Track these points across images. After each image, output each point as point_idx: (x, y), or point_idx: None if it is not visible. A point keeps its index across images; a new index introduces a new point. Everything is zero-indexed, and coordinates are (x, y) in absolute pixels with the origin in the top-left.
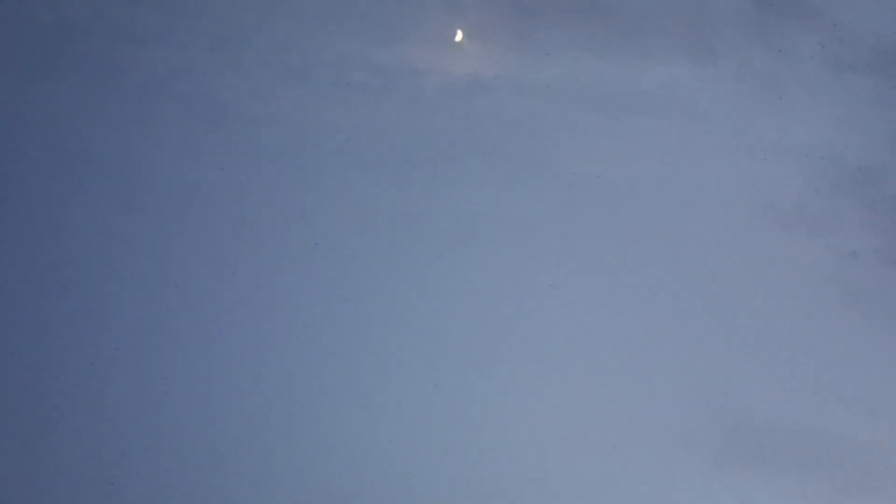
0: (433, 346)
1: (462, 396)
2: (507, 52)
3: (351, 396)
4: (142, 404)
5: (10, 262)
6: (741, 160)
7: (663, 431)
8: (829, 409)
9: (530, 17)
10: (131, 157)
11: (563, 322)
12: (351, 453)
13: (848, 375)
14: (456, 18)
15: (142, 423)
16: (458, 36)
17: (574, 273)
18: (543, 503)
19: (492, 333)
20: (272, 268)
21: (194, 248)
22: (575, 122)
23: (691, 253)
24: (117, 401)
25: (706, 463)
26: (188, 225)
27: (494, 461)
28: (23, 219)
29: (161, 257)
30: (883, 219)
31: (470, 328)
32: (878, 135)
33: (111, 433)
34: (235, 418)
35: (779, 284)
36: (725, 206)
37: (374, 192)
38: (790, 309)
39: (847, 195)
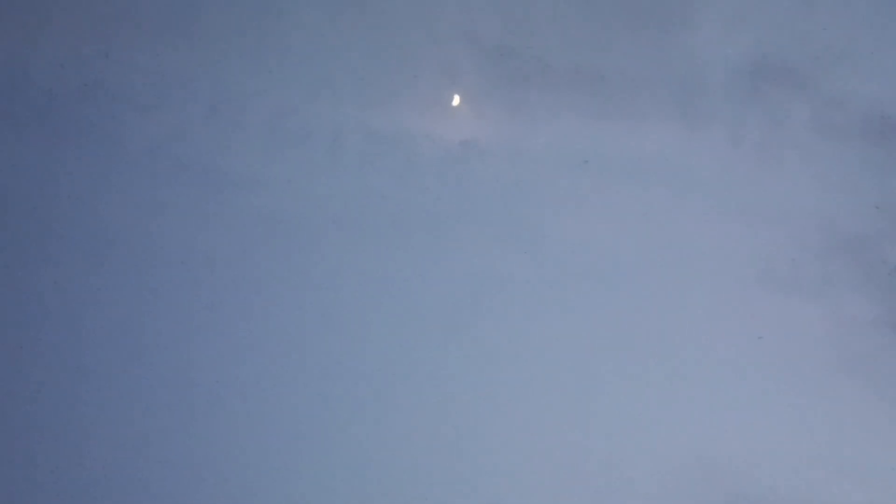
0: (427, 414)
1: (454, 460)
2: (501, 118)
3: (344, 459)
4: (135, 478)
5: (3, 327)
6: (735, 226)
7: (657, 498)
8: (827, 477)
9: (525, 84)
10: (127, 221)
11: (557, 386)
12: None
13: (846, 443)
14: (451, 84)
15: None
16: (456, 101)
17: (568, 337)
18: None
19: (485, 398)
20: (268, 332)
21: (190, 313)
22: (569, 187)
23: (685, 318)
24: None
25: None
26: (184, 289)
27: None
28: (16, 283)
29: (156, 321)
30: (879, 286)
31: (463, 394)
32: (873, 201)
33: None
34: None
35: (775, 351)
36: (720, 271)
37: (370, 257)
38: (786, 375)
39: (842, 261)
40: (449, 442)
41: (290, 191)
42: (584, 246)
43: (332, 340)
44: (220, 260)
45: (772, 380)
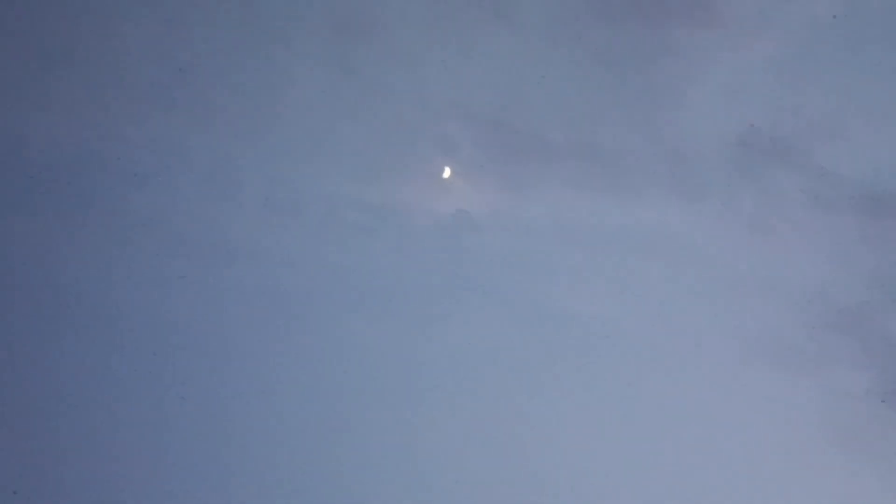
0: (424, 484)
1: None
2: (496, 191)
3: None
4: None
5: (8, 401)
6: (730, 298)
7: None
8: None
9: (519, 157)
10: (124, 292)
11: (555, 458)
12: None
13: None
14: (446, 157)
15: None
16: (448, 173)
17: (562, 409)
18: None
19: (483, 470)
20: (263, 401)
21: (187, 384)
22: (562, 259)
23: (680, 390)
24: None
25: None
26: (182, 360)
27: None
28: (20, 356)
29: (153, 391)
30: (873, 358)
31: (462, 464)
32: (866, 274)
33: None
34: None
35: (771, 423)
36: (716, 343)
37: (365, 328)
38: (783, 448)
39: (837, 334)
40: None
41: (286, 262)
42: (577, 318)
43: (327, 410)
44: (216, 330)
45: (766, 452)
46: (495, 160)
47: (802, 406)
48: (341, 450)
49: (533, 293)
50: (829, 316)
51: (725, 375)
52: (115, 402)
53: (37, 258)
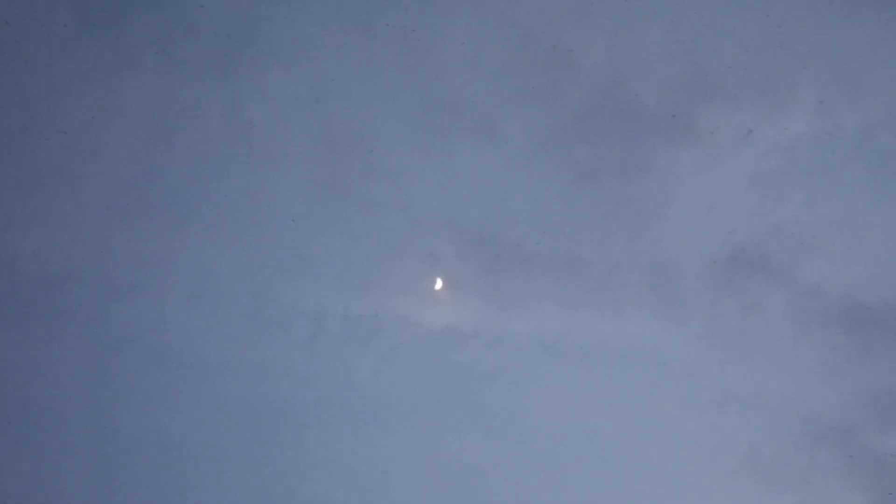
0: None
1: None
2: (481, 305)
3: None
4: None
5: None
6: (715, 414)
7: None
8: None
9: (503, 271)
10: (108, 407)
11: None
12: None
13: None
14: (432, 271)
15: None
16: (438, 285)
17: None
18: None
19: None
20: None
21: (171, 500)
22: (547, 373)
23: None
24: None
25: None
26: (163, 477)
27: None
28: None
29: None
30: (864, 477)
31: None
32: (854, 391)
33: None
34: None
35: None
36: (703, 459)
37: (351, 443)
38: None
39: (826, 451)
40: None
41: (271, 376)
42: (563, 434)
43: None
44: (200, 446)
45: None
46: (480, 274)
47: None
48: None
49: (518, 407)
50: (815, 432)
51: (713, 489)
52: None
53: (17, 372)
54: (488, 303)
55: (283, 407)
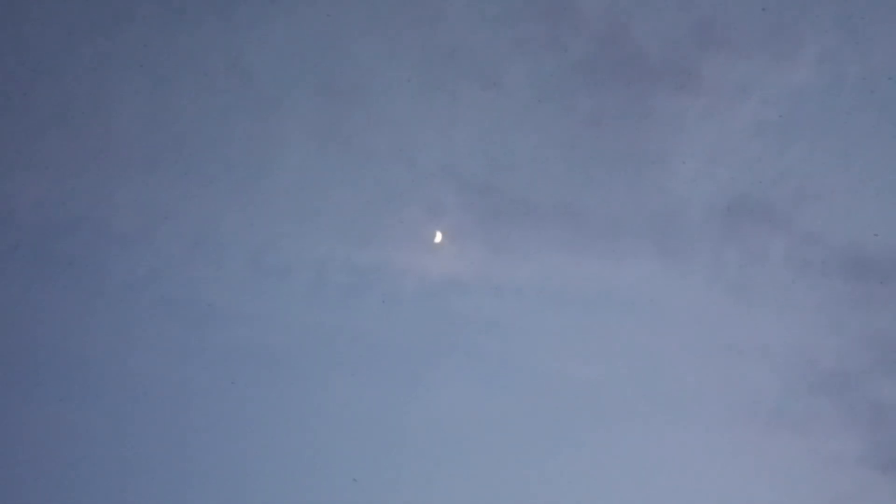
0: None
1: None
2: (482, 254)
3: None
4: None
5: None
6: (716, 360)
7: None
8: None
9: (506, 220)
10: (112, 357)
11: None
12: None
13: None
14: (434, 222)
15: None
16: (438, 237)
17: (548, 471)
18: None
19: None
20: (250, 463)
21: (172, 446)
22: (549, 321)
23: (669, 452)
24: None
25: None
26: (168, 424)
27: None
28: (7, 415)
29: (139, 455)
30: (863, 423)
31: None
32: (853, 338)
33: None
34: None
35: (762, 486)
36: (703, 404)
37: (352, 389)
38: None
39: (825, 398)
40: None
41: (273, 325)
42: (564, 381)
43: (313, 471)
44: (203, 393)
45: None
46: (482, 223)
47: (791, 469)
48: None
49: (519, 355)
50: (815, 379)
51: (713, 435)
52: (98, 468)
53: (21, 320)
54: (490, 251)
55: (285, 354)
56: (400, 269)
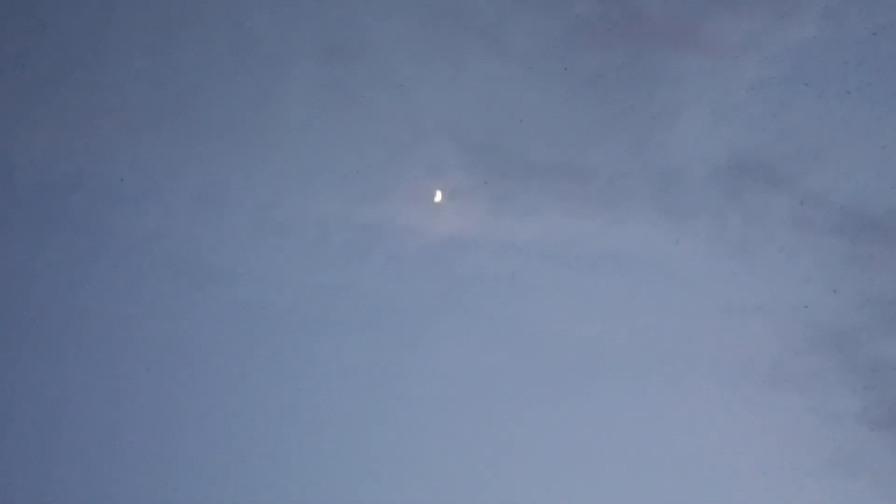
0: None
1: None
2: (485, 214)
3: None
4: None
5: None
6: (716, 319)
7: None
8: None
9: (509, 180)
10: (114, 315)
11: (545, 479)
12: None
13: None
14: (436, 180)
15: None
16: (440, 196)
17: (551, 430)
18: None
19: (471, 492)
20: (252, 423)
21: (178, 406)
22: (551, 281)
23: (670, 413)
24: None
25: None
26: (171, 384)
27: None
28: (8, 378)
29: (145, 416)
30: (862, 381)
31: (449, 486)
32: (854, 297)
33: None
34: None
35: (762, 445)
36: (703, 364)
37: (355, 351)
38: (775, 471)
39: (825, 356)
40: None
41: (276, 283)
42: (566, 340)
43: (315, 430)
44: (206, 353)
45: (758, 472)
46: (485, 182)
47: (792, 426)
48: (329, 469)
49: (522, 315)
50: (816, 338)
51: (712, 393)
52: (98, 426)
53: (24, 278)
54: (492, 211)
55: (287, 314)
56: (402, 227)
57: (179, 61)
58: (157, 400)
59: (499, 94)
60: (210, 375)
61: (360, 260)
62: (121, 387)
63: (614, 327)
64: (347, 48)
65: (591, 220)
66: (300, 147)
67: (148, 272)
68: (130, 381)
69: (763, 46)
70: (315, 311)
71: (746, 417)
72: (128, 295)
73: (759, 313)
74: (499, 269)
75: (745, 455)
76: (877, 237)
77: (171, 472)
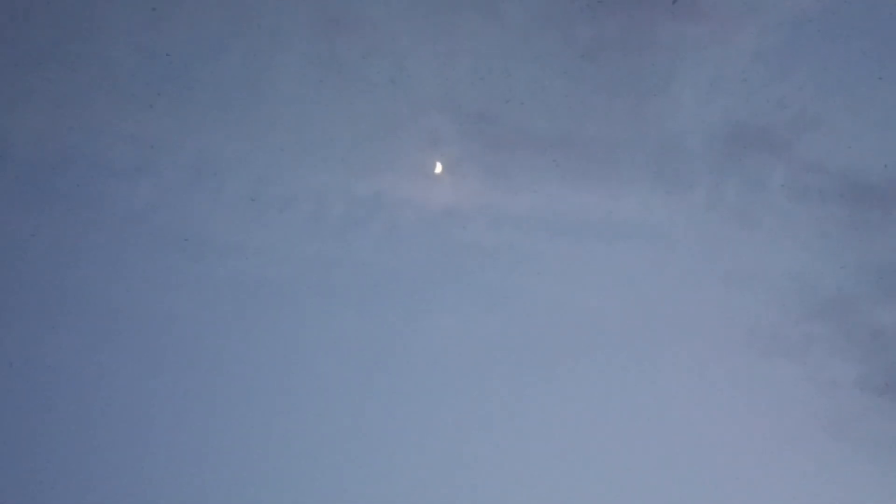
0: (409, 478)
1: None
2: (482, 185)
3: None
4: None
5: None
6: (715, 288)
7: None
8: None
9: (504, 149)
10: (109, 290)
11: (544, 450)
12: None
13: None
14: (433, 152)
15: None
16: (437, 167)
17: (549, 402)
18: None
19: (470, 463)
20: (249, 396)
21: (173, 380)
22: (549, 251)
23: (667, 381)
24: None
25: None
26: (166, 357)
27: None
28: (4, 350)
29: (139, 390)
30: (860, 348)
31: (447, 457)
32: (851, 264)
33: None
34: None
35: (760, 413)
36: (701, 332)
37: (352, 322)
38: (773, 438)
39: (823, 324)
40: None
41: (273, 256)
42: (564, 310)
43: (313, 402)
44: (202, 325)
45: (757, 440)
46: (481, 153)
47: (792, 394)
48: (327, 441)
49: (519, 285)
50: (813, 305)
51: (710, 361)
52: (100, 399)
53: (18, 253)
54: (490, 181)
55: (284, 287)
56: (399, 199)
57: (174, 34)
58: (153, 373)
59: (495, 63)
60: (208, 349)
61: (357, 232)
62: (117, 360)
63: (612, 296)
64: (343, 21)
65: (589, 190)
66: (296, 120)
67: (143, 246)
68: (127, 354)
69: (761, 15)
70: (313, 282)
71: (745, 385)
72: (123, 268)
73: (757, 281)
74: (496, 239)
75: (744, 422)
76: (874, 203)
77: (169, 442)
